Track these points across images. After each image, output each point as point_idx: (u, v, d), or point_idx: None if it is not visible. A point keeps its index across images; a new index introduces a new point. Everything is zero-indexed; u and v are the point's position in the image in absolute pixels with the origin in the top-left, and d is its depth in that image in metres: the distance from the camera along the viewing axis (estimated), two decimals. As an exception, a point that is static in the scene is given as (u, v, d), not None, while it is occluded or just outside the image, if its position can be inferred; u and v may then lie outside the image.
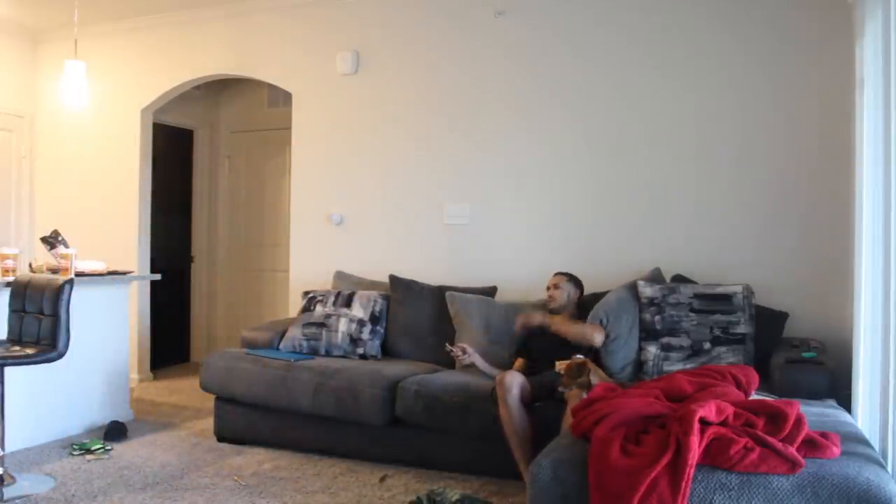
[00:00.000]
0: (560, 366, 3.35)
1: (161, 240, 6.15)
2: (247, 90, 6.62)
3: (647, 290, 3.74)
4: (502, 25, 4.63)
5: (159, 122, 6.10)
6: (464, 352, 3.73)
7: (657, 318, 3.65)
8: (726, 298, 3.59)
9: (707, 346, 3.54)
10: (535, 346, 3.77)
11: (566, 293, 3.86)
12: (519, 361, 3.80)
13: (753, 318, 3.58)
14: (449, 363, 4.21)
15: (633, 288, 3.80)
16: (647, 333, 3.66)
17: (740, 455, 2.04)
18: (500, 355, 3.92)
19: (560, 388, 3.18)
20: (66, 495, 3.33)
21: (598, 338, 3.60)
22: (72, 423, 4.30)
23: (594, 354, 3.60)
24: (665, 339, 3.61)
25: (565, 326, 3.67)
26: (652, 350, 3.62)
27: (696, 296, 3.64)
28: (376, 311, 4.38)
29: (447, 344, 3.83)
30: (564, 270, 3.99)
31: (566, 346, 3.56)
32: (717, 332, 3.55)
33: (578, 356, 3.21)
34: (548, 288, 3.91)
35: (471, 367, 3.84)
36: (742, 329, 3.54)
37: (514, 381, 3.26)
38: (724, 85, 4.10)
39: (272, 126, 6.51)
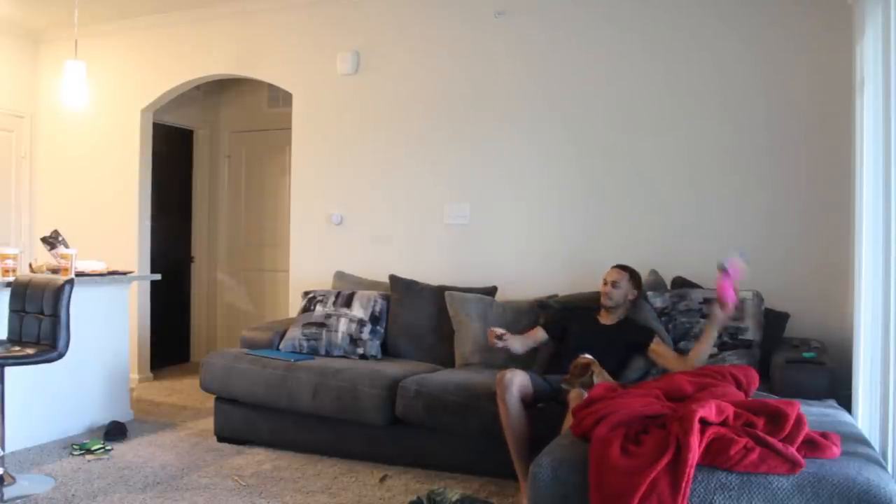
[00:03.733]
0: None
1: (161, 240, 6.14)
2: (247, 90, 6.63)
3: (657, 302, 3.74)
4: (502, 26, 4.63)
5: (159, 122, 6.10)
6: (500, 338, 3.58)
7: (668, 326, 3.66)
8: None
9: (715, 350, 3.52)
10: (578, 336, 3.61)
11: (624, 292, 3.64)
12: (538, 329, 3.74)
13: (762, 325, 3.57)
14: (449, 363, 4.21)
15: (645, 299, 3.78)
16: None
17: (740, 455, 2.04)
18: (499, 355, 3.91)
19: (563, 385, 3.17)
20: (66, 495, 3.33)
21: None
22: (72, 423, 4.30)
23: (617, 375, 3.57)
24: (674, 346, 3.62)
25: (673, 360, 3.44)
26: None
27: (706, 301, 3.61)
28: (376, 311, 4.38)
29: (490, 329, 3.65)
30: (624, 263, 3.75)
31: (608, 349, 3.46)
32: (724, 337, 3.53)
33: (586, 356, 3.19)
34: (605, 282, 3.66)
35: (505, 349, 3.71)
36: (750, 336, 3.53)
37: (514, 380, 3.24)
38: (723, 85, 4.10)
39: (272, 126, 6.51)
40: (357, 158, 5.07)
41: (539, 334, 3.79)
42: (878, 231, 2.66)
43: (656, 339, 3.54)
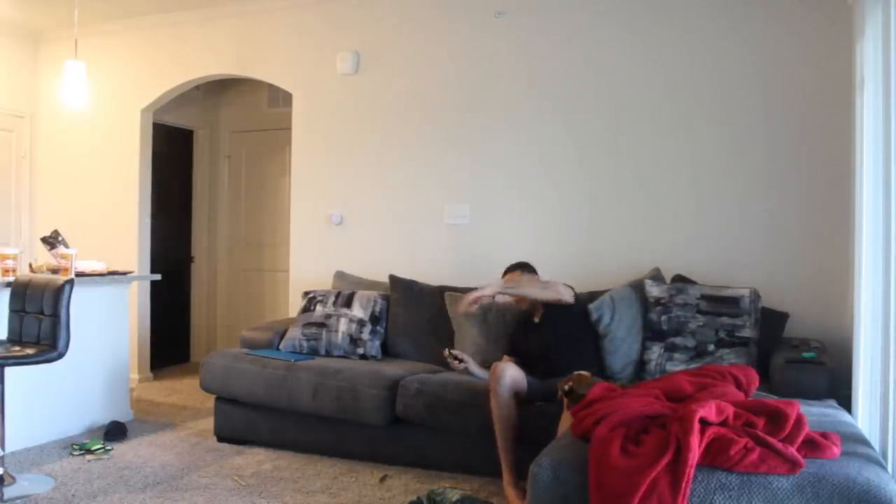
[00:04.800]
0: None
1: (161, 240, 6.15)
2: (247, 90, 6.63)
3: (654, 290, 3.74)
4: (502, 26, 4.63)
5: (159, 122, 6.10)
6: (459, 360, 3.68)
7: (664, 318, 3.65)
8: (733, 301, 3.58)
9: (711, 347, 3.53)
10: (528, 344, 3.71)
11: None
12: (506, 359, 3.78)
13: (759, 322, 3.57)
14: (448, 364, 4.21)
15: (638, 287, 3.80)
16: (653, 333, 3.66)
17: (740, 455, 2.04)
18: (499, 355, 3.90)
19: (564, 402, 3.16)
20: (66, 495, 3.33)
21: (568, 294, 3.56)
22: (72, 423, 4.30)
23: (599, 363, 3.58)
24: (670, 340, 3.61)
25: (530, 287, 3.60)
26: (655, 350, 3.62)
27: (704, 297, 3.63)
28: (376, 311, 4.38)
29: (447, 349, 3.77)
30: (510, 265, 3.90)
31: (560, 341, 3.54)
32: (722, 334, 3.54)
33: (583, 372, 3.15)
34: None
35: (465, 372, 3.81)
36: (747, 333, 3.53)
37: (507, 371, 3.26)
38: (723, 85, 4.10)
39: (272, 126, 6.51)
40: (357, 158, 5.07)
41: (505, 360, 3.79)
42: (878, 231, 2.66)
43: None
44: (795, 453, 2.04)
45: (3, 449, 3.43)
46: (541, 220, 4.52)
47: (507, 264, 4.55)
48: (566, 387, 2.97)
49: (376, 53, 5.02)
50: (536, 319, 3.73)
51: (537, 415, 3.28)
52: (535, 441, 2.78)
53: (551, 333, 3.62)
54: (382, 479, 3.61)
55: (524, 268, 3.87)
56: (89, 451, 3.94)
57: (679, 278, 3.89)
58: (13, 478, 3.47)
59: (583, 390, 2.89)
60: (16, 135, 6.15)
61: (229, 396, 4.15)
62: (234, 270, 6.82)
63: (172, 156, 6.52)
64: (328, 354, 4.27)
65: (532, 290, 3.61)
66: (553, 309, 3.63)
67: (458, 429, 3.59)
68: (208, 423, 4.44)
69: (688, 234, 4.15)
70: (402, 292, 4.48)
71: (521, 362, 3.67)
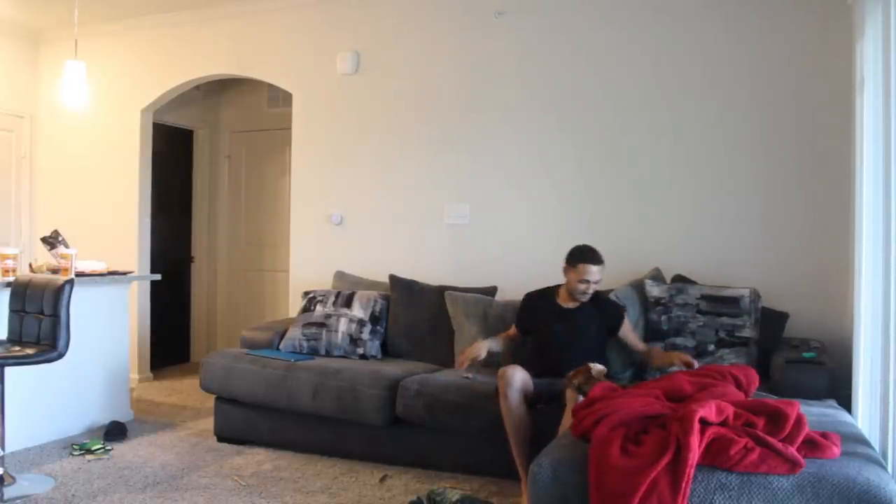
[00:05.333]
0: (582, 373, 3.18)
1: (161, 240, 6.14)
2: (247, 90, 6.63)
3: (654, 290, 3.74)
4: (502, 26, 4.63)
5: (159, 122, 6.10)
6: (473, 362, 3.52)
7: (664, 318, 3.65)
8: (734, 302, 3.59)
9: (711, 347, 3.54)
10: (552, 327, 3.57)
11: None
12: (514, 329, 3.75)
13: (759, 322, 3.57)
14: (448, 363, 4.21)
15: (638, 287, 3.80)
16: (653, 333, 3.66)
17: (740, 455, 2.04)
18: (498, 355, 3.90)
19: (563, 381, 3.15)
20: (66, 495, 3.33)
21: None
22: (72, 423, 4.30)
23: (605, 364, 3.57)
24: (670, 340, 3.61)
25: (664, 358, 3.42)
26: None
27: (704, 297, 3.64)
28: (376, 311, 4.38)
29: (462, 372, 3.63)
30: (598, 253, 3.54)
31: (586, 333, 3.50)
32: (722, 334, 3.54)
33: (596, 365, 3.13)
34: (586, 282, 3.48)
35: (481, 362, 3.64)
36: (747, 333, 3.53)
37: (516, 376, 3.24)
38: (722, 85, 4.10)
39: (272, 126, 6.51)
40: (357, 158, 5.07)
41: (513, 331, 3.79)
42: (878, 231, 2.67)
43: (626, 318, 3.61)
44: (795, 453, 2.05)
45: (3, 449, 3.43)
46: (541, 220, 4.52)
47: (507, 264, 4.57)
48: (575, 383, 2.99)
49: (376, 53, 5.02)
50: (569, 307, 3.58)
51: (539, 415, 3.27)
52: (533, 438, 2.78)
53: (582, 323, 3.52)
54: (382, 479, 3.61)
55: (601, 261, 3.53)
56: (89, 451, 3.94)
57: (679, 278, 3.90)
58: (13, 478, 3.47)
59: (588, 387, 2.90)
60: (16, 135, 6.15)
61: (229, 396, 4.15)
62: (234, 270, 6.82)
63: (172, 156, 6.51)
64: (328, 354, 4.27)
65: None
66: (588, 305, 3.55)
67: (458, 429, 3.59)
68: (208, 423, 4.44)
69: (688, 234, 4.15)
70: (402, 292, 4.48)
71: (528, 347, 3.63)
